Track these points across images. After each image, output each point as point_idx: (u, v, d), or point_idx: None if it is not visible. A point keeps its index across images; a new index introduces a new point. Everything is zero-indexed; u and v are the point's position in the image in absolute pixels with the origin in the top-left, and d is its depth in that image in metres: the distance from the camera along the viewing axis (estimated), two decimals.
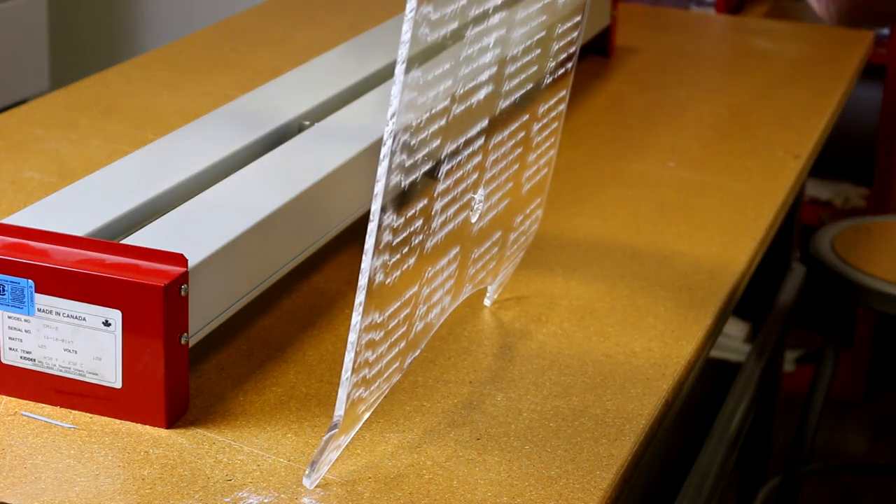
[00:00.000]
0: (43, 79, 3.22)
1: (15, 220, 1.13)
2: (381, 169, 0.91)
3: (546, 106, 1.23)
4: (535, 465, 1.04)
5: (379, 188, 0.91)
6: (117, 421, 1.06)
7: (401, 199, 0.94)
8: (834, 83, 2.03)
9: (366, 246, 0.91)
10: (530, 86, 1.17)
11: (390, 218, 0.93)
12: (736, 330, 2.79)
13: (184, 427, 1.06)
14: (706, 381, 2.26)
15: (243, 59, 1.94)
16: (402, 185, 0.94)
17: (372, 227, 0.91)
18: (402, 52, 0.88)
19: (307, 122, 1.41)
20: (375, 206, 0.91)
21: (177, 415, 1.07)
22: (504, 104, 1.12)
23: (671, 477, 1.94)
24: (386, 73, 1.58)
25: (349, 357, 0.94)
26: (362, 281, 0.92)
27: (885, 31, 3.06)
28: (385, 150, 0.91)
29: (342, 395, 0.96)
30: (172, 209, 1.20)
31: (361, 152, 1.34)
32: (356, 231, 1.40)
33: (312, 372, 1.15)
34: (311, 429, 1.07)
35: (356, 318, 0.93)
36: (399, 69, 0.88)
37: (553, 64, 1.22)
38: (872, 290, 2.07)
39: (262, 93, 1.50)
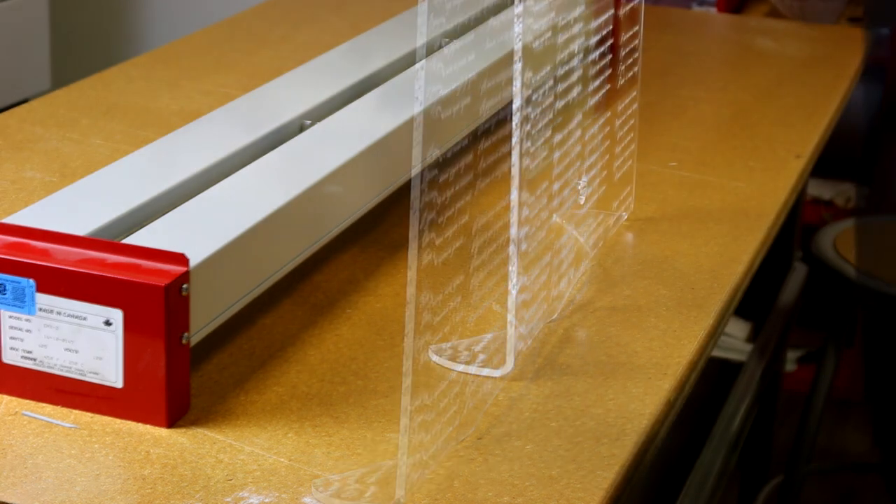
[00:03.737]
0: (44, 78, 3.22)
1: (16, 219, 1.13)
2: (514, 155, 1.10)
3: (623, 103, 1.47)
4: (536, 464, 1.04)
5: (514, 171, 1.10)
6: (118, 420, 1.06)
7: (530, 181, 1.15)
8: (836, 82, 2.03)
9: (510, 219, 1.10)
10: (609, 86, 1.41)
11: (525, 195, 1.13)
12: (737, 329, 2.79)
13: (185, 427, 1.06)
14: (708, 381, 2.26)
15: (244, 59, 1.94)
16: (531, 168, 1.16)
17: (513, 203, 1.11)
18: (518, 58, 1.09)
19: (308, 122, 1.41)
20: (514, 186, 1.10)
21: (178, 414, 1.07)
22: (592, 101, 1.36)
23: (672, 476, 1.94)
24: (387, 73, 1.58)
25: (510, 317, 1.12)
26: (511, 250, 1.10)
27: (887, 30, 3.06)
28: (514, 140, 1.10)
29: (510, 348, 1.12)
30: (173, 208, 1.20)
31: (362, 152, 1.34)
32: (357, 230, 1.40)
33: (314, 371, 1.15)
34: (313, 428, 1.07)
35: (511, 282, 1.11)
36: (517, 69, 1.09)
37: (623, 67, 1.46)
38: (874, 289, 2.07)
39: (262, 92, 1.50)
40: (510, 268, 1.12)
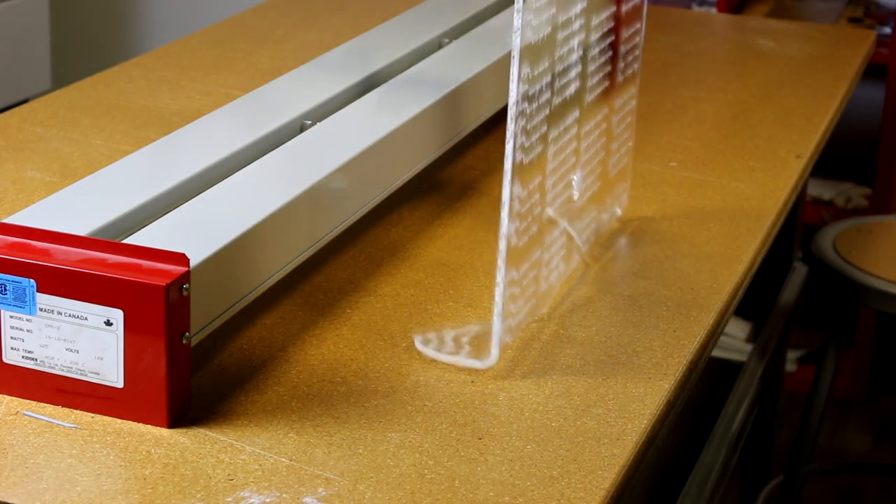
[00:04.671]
0: (45, 78, 3.22)
1: (17, 219, 1.13)
2: (508, 149, 1.12)
3: (622, 100, 1.46)
4: (536, 464, 1.04)
5: (507, 165, 1.12)
6: (119, 420, 1.06)
7: (523, 175, 1.16)
8: (836, 83, 2.03)
9: (501, 214, 1.12)
10: (608, 83, 1.40)
11: (517, 189, 1.14)
12: (738, 329, 2.79)
13: (185, 427, 1.06)
14: (708, 381, 2.26)
15: (245, 59, 1.94)
16: (524, 163, 1.16)
17: (505, 197, 1.12)
18: (516, 54, 1.11)
19: (309, 122, 1.41)
20: (506, 181, 1.12)
21: (178, 414, 1.07)
22: (590, 97, 1.35)
23: (673, 476, 1.94)
24: (387, 73, 1.58)
25: (497, 309, 1.14)
26: (501, 245, 1.13)
27: (888, 30, 3.06)
28: (509, 135, 1.12)
29: (495, 340, 1.15)
30: (174, 209, 1.20)
31: (362, 152, 1.34)
32: (357, 230, 1.40)
33: (314, 371, 1.15)
34: (313, 428, 1.07)
35: (499, 276, 1.13)
36: (514, 64, 1.11)
37: (622, 64, 1.44)
38: (874, 289, 2.07)
39: (263, 92, 1.50)
40: (499, 261, 1.13)
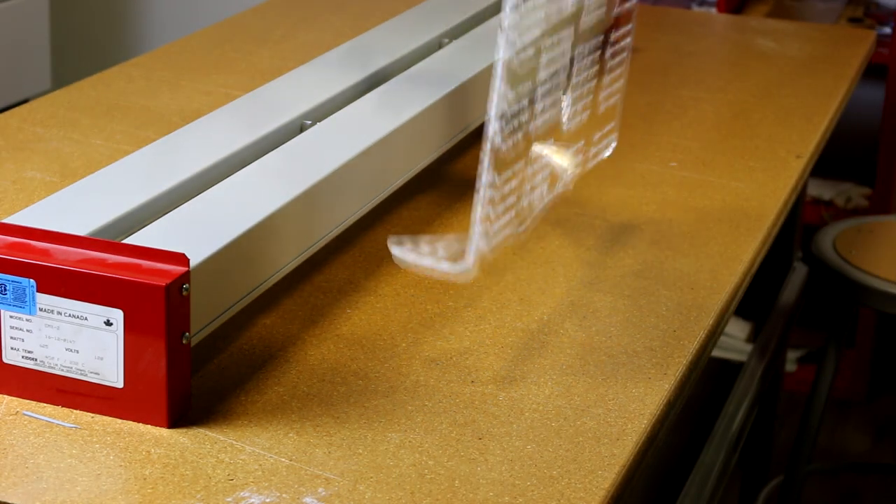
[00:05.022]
0: (45, 78, 3.22)
1: (17, 219, 1.13)
2: (500, 41, 1.11)
3: (617, 34, 1.44)
4: (536, 464, 1.04)
5: (498, 65, 1.11)
6: (119, 420, 1.06)
7: (514, 80, 1.14)
8: (836, 83, 2.03)
9: (487, 112, 1.11)
10: (604, 9, 1.38)
11: (506, 90, 1.12)
12: (737, 329, 2.79)
13: (185, 427, 1.06)
14: (708, 381, 2.26)
15: (245, 59, 1.94)
16: (514, 65, 1.13)
17: (492, 95, 1.11)
18: None
19: (309, 122, 1.41)
20: (496, 76, 1.11)
21: (178, 414, 1.07)
22: (585, 19, 1.34)
23: (673, 476, 1.94)
24: (387, 73, 1.58)
25: (477, 210, 1.12)
26: (486, 146, 1.11)
27: (888, 30, 3.06)
28: (501, 29, 1.11)
29: (472, 246, 1.11)
30: (174, 209, 1.20)
31: (363, 151, 1.34)
32: (357, 231, 1.40)
33: (314, 371, 1.15)
34: (313, 428, 1.07)
35: (485, 176, 1.11)
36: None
37: None
38: (874, 289, 2.07)
39: (263, 92, 1.50)
40: (482, 164, 1.11)
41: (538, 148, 1.24)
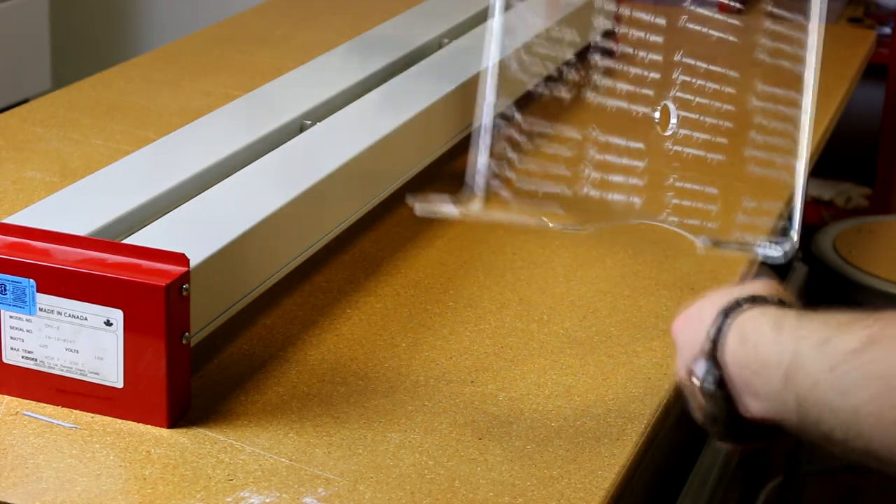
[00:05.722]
0: (44, 78, 3.22)
1: (16, 219, 1.13)
2: None
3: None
4: (536, 464, 1.04)
5: None
6: (119, 421, 1.06)
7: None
8: (836, 83, 2.03)
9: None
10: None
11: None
12: None
13: (185, 427, 1.06)
14: None
15: (244, 59, 1.94)
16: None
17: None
18: None
19: (309, 122, 1.41)
20: None
21: (178, 414, 1.07)
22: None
23: (673, 476, 1.94)
24: (387, 73, 1.58)
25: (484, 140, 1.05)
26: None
27: (888, 30, 3.06)
28: None
29: (479, 178, 1.03)
30: (174, 209, 1.20)
31: (363, 152, 1.34)
32: (357, 231, 1.40)
33: (314, 371, 1.15)
34: (313, 428, 1.07)
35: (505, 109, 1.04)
36: None
37: None
38: (874, 289, 2.07)
39: (263, 92, 1.50)
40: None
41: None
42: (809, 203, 3.10)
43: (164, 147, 1.34)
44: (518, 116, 1.04)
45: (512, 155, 1.06)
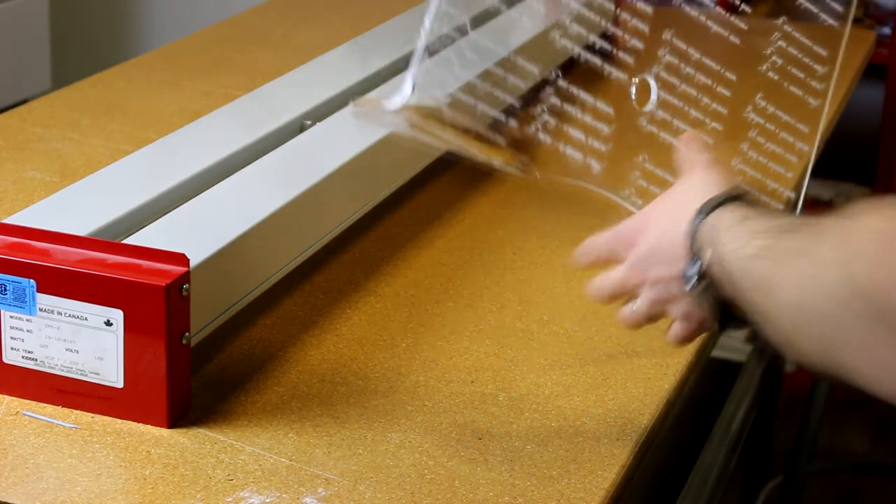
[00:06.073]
0: (44, 78, 3.22)
1: (17, 219, 1.13)
2: None
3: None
4: (536, 464, 1.04)
5: None
6: (119, 421, 1.06)
7: None
8: (836, 83, 2.03)
9: None
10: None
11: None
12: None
13: (185, 427, 1.06)
14: (708, 381, 2.26)
15: (245, 59, 1.93)
16: None
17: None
18: None
19: (309, 122, 1.41)
20: None
21: (178, 414, 1.07)
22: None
23: (673, 476, 1.94)
24: (387, 73, 1.58)
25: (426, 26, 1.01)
26: None
27: (888, 30, 3.06)
28: None
29: (411, 71, 1.00)
30: (174, 209, 1.20)
31: (363, 152, 1.34)
32: (357, 231, 1.40)
33: (314, 371, 1.15)
34: (313, 428, 1.07)
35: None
36: None
37: None
38: None
39: (263, 92, 1.50)
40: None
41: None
42: (809, 203, 3.09)
43: (164, 147, 1.34)
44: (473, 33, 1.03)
45: (458, 71, 1.04)
